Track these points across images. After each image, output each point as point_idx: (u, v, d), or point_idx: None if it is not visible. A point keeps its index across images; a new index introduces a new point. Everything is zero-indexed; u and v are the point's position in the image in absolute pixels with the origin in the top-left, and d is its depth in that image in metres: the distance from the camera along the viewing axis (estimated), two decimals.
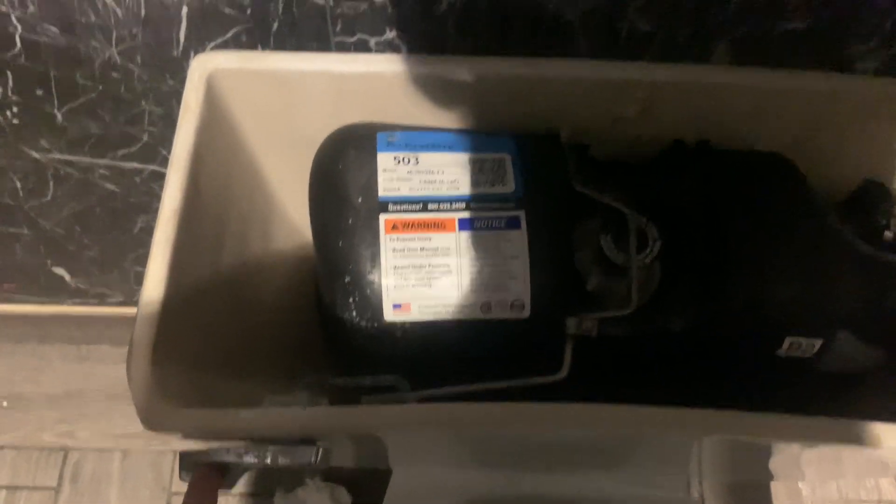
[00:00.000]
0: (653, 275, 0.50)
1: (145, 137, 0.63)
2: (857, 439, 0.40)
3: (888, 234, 0.54)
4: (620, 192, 0.51)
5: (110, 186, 0.70)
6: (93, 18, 0.50)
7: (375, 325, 0.45)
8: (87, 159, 0.65)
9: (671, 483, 0.58)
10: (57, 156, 0.65)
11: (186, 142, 0.45)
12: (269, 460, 0.38)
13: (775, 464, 0.58)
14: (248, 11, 0.49)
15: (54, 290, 0.91)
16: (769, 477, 0.77)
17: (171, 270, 0.42)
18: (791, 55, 0.52)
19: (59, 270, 0.87)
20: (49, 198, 0.71)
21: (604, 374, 0.49)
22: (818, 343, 0.47)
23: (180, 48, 0.52)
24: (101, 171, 0.68)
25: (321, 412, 0.41)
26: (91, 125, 0.61)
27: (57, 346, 1.07)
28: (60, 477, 0.98)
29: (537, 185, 0.47)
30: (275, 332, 0.61)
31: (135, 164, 0.67)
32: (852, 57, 0.53)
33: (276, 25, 0.51)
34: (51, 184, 0.69)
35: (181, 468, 0.41)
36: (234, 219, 0.53)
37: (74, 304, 0.97)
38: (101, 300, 0.95)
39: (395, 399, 0.45)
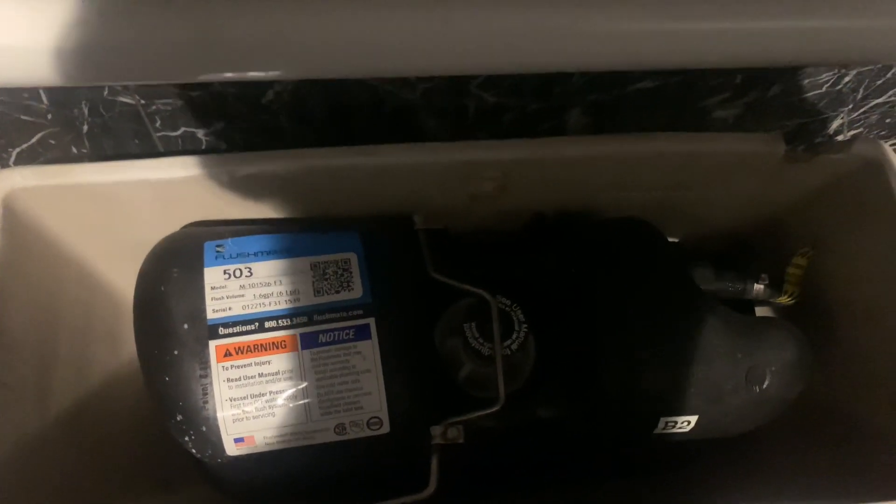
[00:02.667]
0: (526, 359, 0.48)
1: None
2: None
3: (759, 287, 0.53)
4: (484, 274, 0.48)
5: None
6: None
7: (219, 460, 0.41)
8: None
9: None
10: None
11: None
12: None
13: None
14: (49, 117, 0.44)
15: None
16: None
17: None
18: (648, 111, 0.51)
19: None
20: None
21: (476, 481, 0.46)
22: (693, 419, 0.46)
23: None
24: None
25: None
26: None
27: None
28: None
29: (388, 285, 0.44)
30: (140, 445, 0.56)
31: None
32: (709, 108, 0.52)
33: (86, 127, 0.46)
34: None
35: None
36: (67, 340, 0.48)
37: None
38: None
39: None
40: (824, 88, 0.51)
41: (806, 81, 0.51)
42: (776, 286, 0.53)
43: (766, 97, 0.50)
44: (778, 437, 0.52)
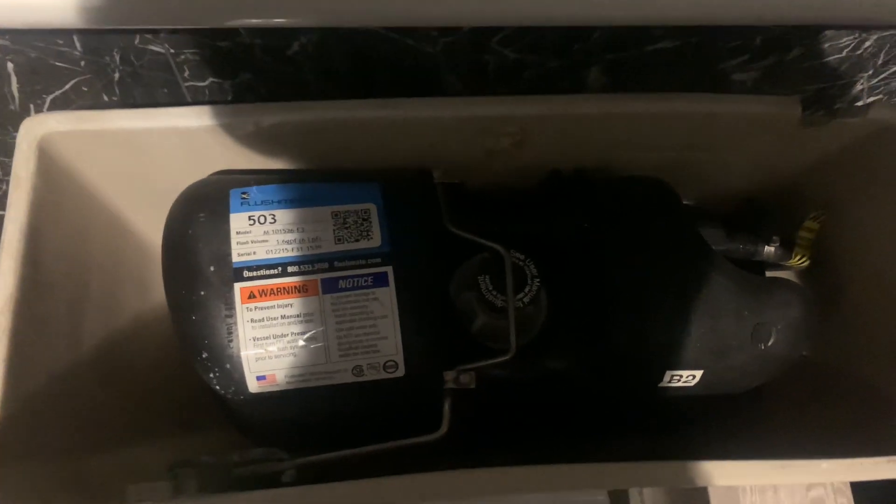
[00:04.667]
0: (537, 314, 0.49)
1: (4, 187, 0.59)
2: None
3: (770, 249, 0.54)
4: (499, 229, 0.49)
5: None
6: None
7: (241, 397, 0.43)
8: None
9: None
10: None
11: (18, 220, 0.42)
12: None
13: None
14: (82, 64, 0.46)
15: None
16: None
17: (10, 369, 0.39)
18: (666, 73, 0.51)
19: None
20: None
21: (487, 426, 0.48)
22: (698, 373, 0.47)
23: (16, 102, 0.48)
24: None
25: None
26: None
27: None
28: None
29: (406, 235, 0.45)
30: (164, 386, 0.58)
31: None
32: (728, 71, 0.52)
33: (117, 75, 0.47)
34: None
35: None
36: (97, 282, 0.50)
37: None
38: None
39: (268, 469, 0.43)
40: (844, 53, 0.51)
41: (826, 45, 0.51)
42: (787, 248, 0.54)
43: (786, 60, 0.51)
44: (782, 396, 0.54)
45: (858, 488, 0.79)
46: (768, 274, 0.55)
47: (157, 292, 0.58)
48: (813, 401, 0.53)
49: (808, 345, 0.49)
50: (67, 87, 0.47)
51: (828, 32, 0.49)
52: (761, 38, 0.48)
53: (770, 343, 0.47)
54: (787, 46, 0.50)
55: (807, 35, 0.49)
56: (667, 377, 0.47)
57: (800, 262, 0.54)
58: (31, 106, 0.49)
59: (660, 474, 0.41)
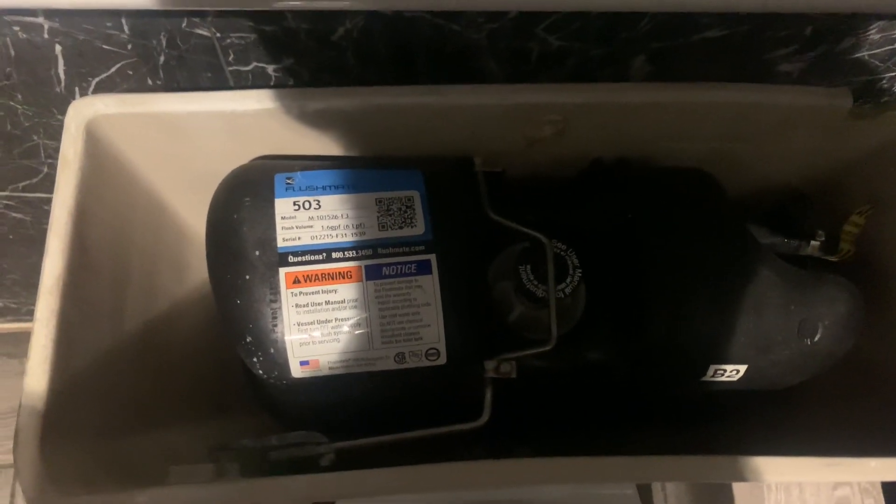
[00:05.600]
0: (576, 304, 0.49)
1: (45, 169, 0.59)
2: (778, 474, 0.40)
3: (814, 244, 0.53)
4: (539, 218, 0.49)
5: (17, 216, 0.67)
6: None
7: (284, 382, 0.43)
8: None
9: None
10: None
11: (66, 202, 0.42)
12: None
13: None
14: (129, 47, 0.46)
15: None
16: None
17: (58, 348, 0.39)
18: (711, 63, 0.50)
19: None
20: None
21: (527, 416, 0.47)
22: (743, 368, 0.47)
23: (62, 85, 0.49)
24: (5, 202, 0.64)
25: (222, 489, 0.39)
26: None
27: None
28: (12, 494, 0.97)
29: (449, 223, 0.45)
30: (199, 370, 0.59)
31: (39, 195, 0.63)
32: (774, 61, 0.51)
33: (162, 59, 0.47)
34: None
35: None
36: (138, 264, 0.50)
37: (7, 321, 0.95)
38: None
39: (306, 452, 0.43)
40: None
41: (878, 36, 0.49)
42: (832, 243, 0.53)
43: (835, 51, 0.50)
44: (824, 394, 0.53)
45: (889, 489, 0.78)
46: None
47: (194, 275, 0.59)
48: (856, 398, 0.52)
49: (854, 341, 0.48)
50: (113, 70, 0.47)
51: (880, 23, 0.48)
52: (812, 27, 0.47)
53: (816, 338, 0.47)
54: (838, 37, 0.49)
55: (858, 25, 0.48)
56: (710, 371, 0.46)
57: (844, 257, 0.53)
58: (77, 89, 0.49)
59: (697, 469, 0.41)
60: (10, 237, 0.71)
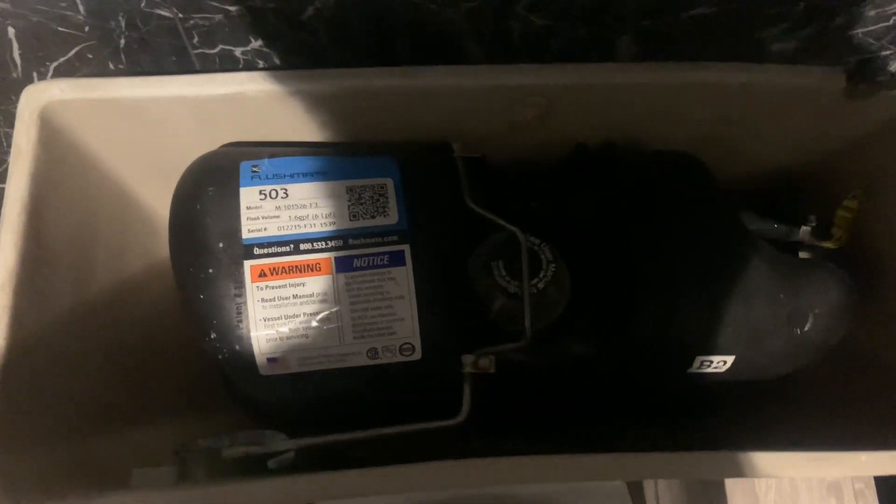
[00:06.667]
0: (558, 297, 0.47)
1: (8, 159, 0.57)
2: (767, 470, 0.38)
3: (805, 229, 0.51)
4: (521, 206, 0.47)
5: None
6: None
7: (251, 380, 0.41)
8: None
9: None
10: None
11: (20, 193, 0.40)
12: None
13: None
14: (86, 29, 0.43)
15: None
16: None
17: (10, 348, 0.37)
18: (701, 42, 0.48)
19: None
20: None
21: (510, 412, 0.46)
22: (730, 359, 0.45)
23: (19, 70, 0.46)
24: None
25: (181, 495, 0.37)
26: None
27: None
28: None
29: (424, 212, 0.43)
30: (174, 367, 0.57)
31: (3, 186, 0.61)
32: (767, 40, 0.49)
33: (123, 42, 0.45)
34: None
35: None
36: (103, 258, 0.48)
37: None
38: None
39: (262, 451, 0.41)
40: (892, 21, 0.48)
41: (872, 13, 0.47)
42: (824, 229, 0.51)
43: (829, 28, 0.47)
44: (815, 384, 0.51)
45: (883, 487, 0.77)
46: (803, 255, 0.53)
47: (164, 268, 0.56)
48: (847, 389, 0.51)
49: (846, 330, 0.46)
50: (71, 54, 0.45)
51: None
52: (804, 3, 0.45)
53: (807, 328, 0.45)
54: (832, 14, 0.47)
55: (853, 2, 0.46)
56: (696, 363, 0.45)
57: (837, 243, 0.51)
58: (35, 74, 0.47)
59: (685, 465, 0.39)
60: None
